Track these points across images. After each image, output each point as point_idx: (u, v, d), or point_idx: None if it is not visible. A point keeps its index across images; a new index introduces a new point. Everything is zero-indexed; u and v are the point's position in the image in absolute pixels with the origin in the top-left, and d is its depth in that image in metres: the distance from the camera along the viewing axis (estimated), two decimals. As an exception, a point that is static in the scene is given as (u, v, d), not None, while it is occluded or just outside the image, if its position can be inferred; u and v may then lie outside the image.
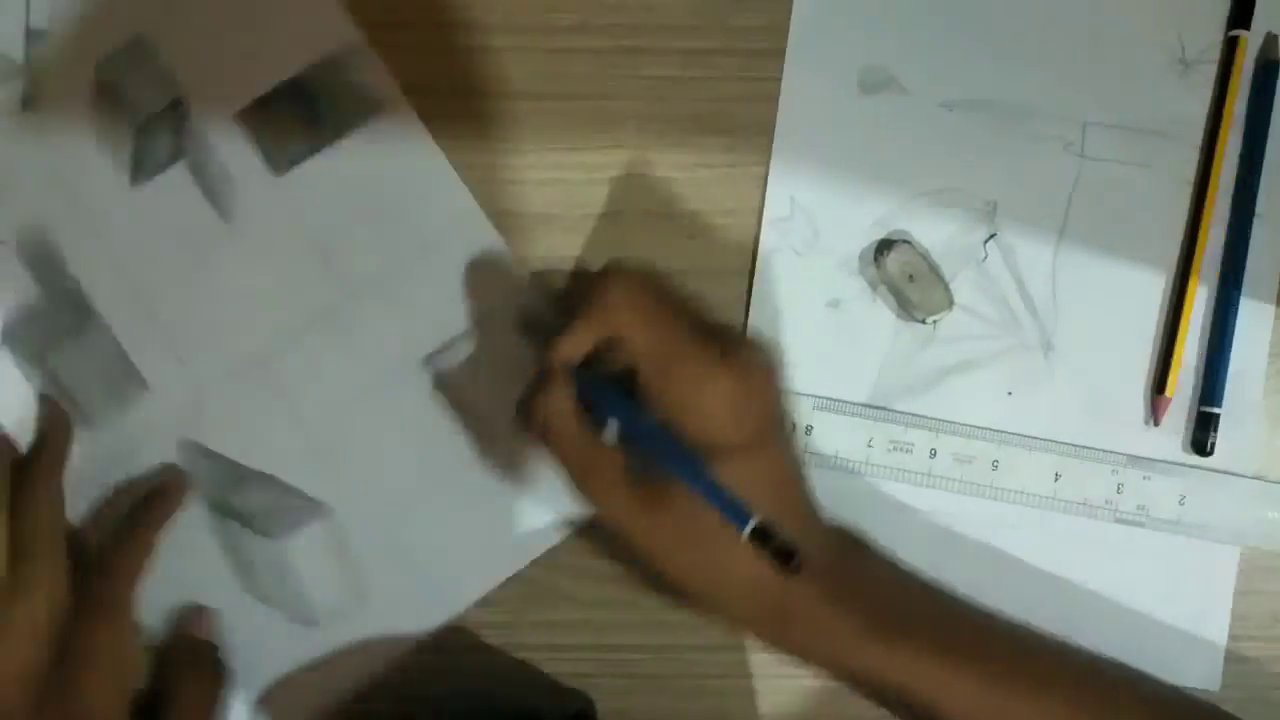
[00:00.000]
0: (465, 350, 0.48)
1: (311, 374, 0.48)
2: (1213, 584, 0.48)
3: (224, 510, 0.48)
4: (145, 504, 0.47)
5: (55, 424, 0.47)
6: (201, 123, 0.47)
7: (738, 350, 0.42)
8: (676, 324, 0.42)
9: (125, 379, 0.48)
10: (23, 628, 0.43)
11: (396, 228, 0.48)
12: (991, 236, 0.48)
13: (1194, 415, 0.48)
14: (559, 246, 0.48)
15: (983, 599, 0.45)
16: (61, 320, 0.48)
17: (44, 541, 0.44)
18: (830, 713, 0.49)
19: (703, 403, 0.40)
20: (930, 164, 0.48)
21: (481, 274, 0.48)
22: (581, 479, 0.42)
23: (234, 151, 0.48)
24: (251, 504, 0.48)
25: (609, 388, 0.42)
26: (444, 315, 0.48)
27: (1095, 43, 0.48)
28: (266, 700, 0.48)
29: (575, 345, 0.42)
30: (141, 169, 0.48)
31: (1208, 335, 0.48)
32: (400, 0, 0.48)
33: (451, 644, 0.48)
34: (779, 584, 0.40)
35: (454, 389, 0.48)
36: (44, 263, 0.48)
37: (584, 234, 0.49)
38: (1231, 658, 0.48)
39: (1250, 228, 0.47)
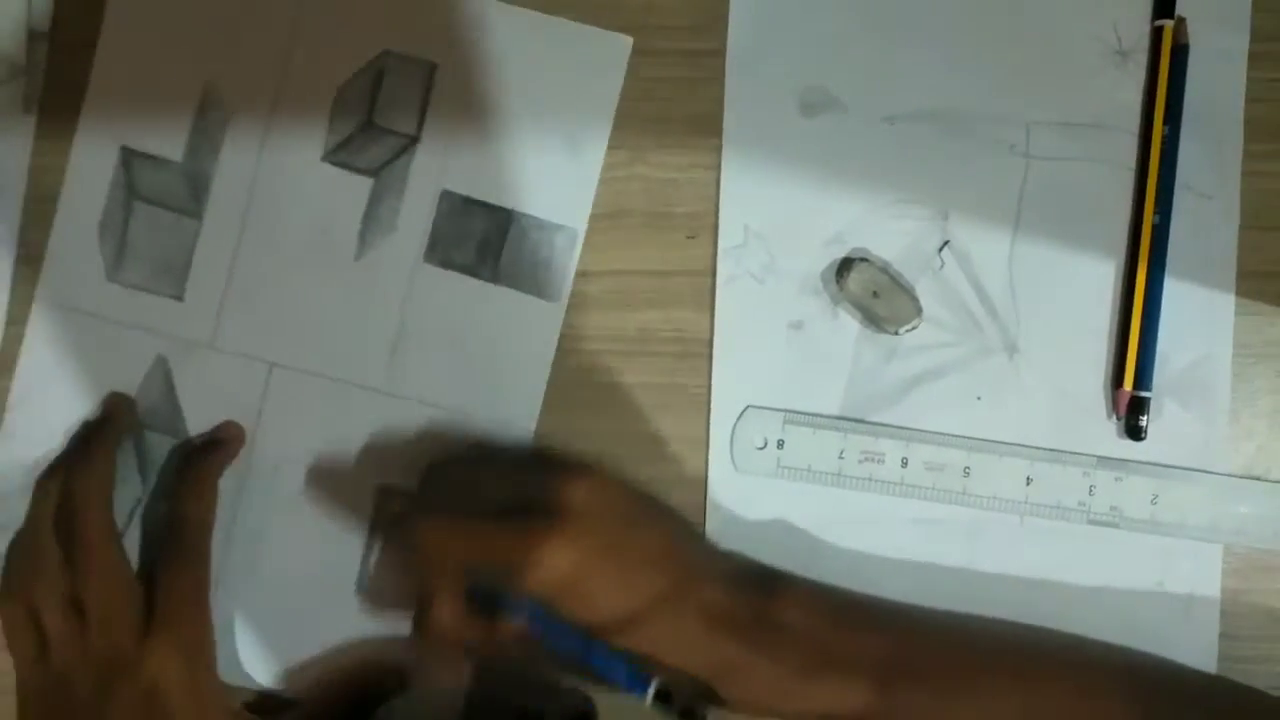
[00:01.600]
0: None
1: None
2: (1198, 582, 0.48)
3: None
4: (203, 453, 0.49)
5: (119, 405, 0.49)
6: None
7: (553, 524, 0.41)
8: (479, 532, 0.42)
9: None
10: (106, 569, 0.46)
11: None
12: (945, 244, 0.48)
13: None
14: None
15: (967, 606, 0.46)
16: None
17: (96, 495, 0.47)
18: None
19: (537, 578, 0.40)
20: (879, 179, 0.48)
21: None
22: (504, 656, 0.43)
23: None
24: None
25: (488, 592, 0.42)
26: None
27: (1031, 42, 0.48)
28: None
29: (440, 582, 0.43)
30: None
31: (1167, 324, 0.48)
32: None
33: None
34: (709, 644, 0.41)
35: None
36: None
37: (585, 234, 0.49)
38: (1226, 657, 0.48)
39: (1169, 210, 0.47)
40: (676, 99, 0.49)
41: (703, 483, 0.49)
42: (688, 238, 0.49)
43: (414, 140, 0.49)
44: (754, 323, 0.49)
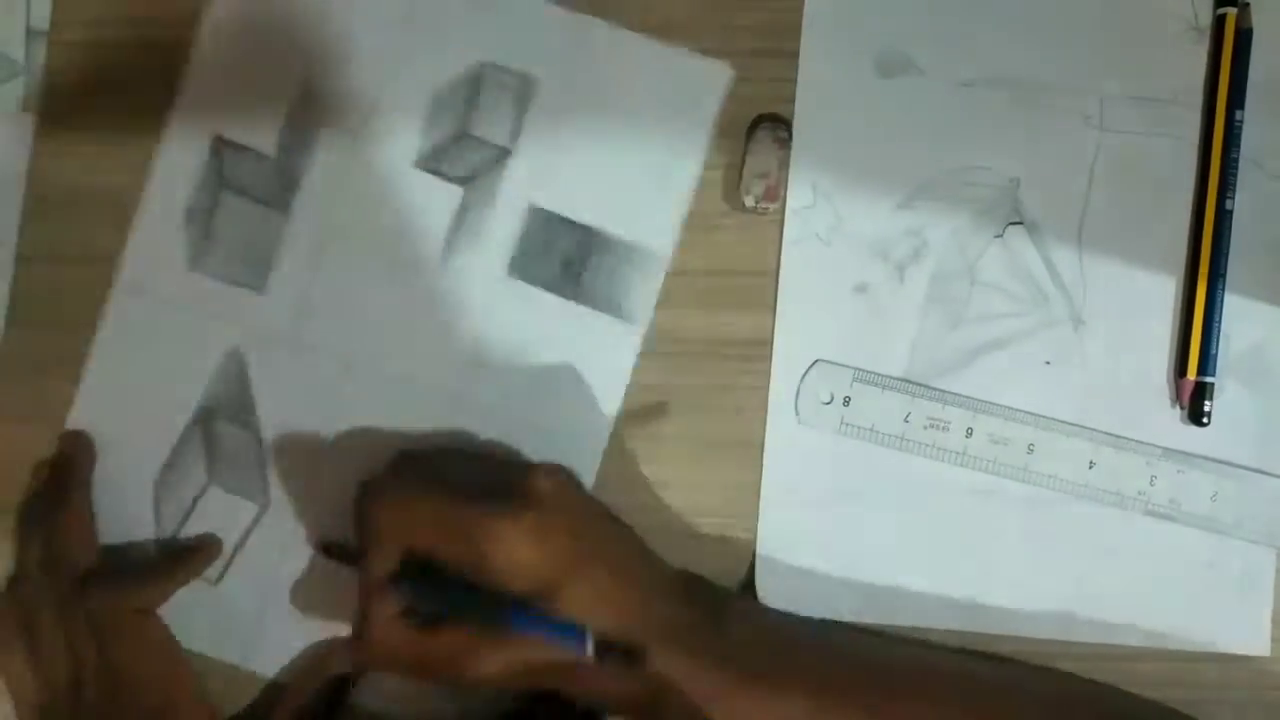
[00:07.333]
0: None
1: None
2: (1249, 582, 0.48)
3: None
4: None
5: (81, 443, 0.49)
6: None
7: (514, 501, 0.42)
8: (446, 511, 0.42)
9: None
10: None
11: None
12: (1015, 223, 0.48)
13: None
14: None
15: (1013, 580, 0.47)
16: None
17: (79, 533, 0.47)
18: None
19: (502, 559, 0.41)
20: (951, 144, 0.48)
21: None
22: (443, 674, 0.42)
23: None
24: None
25: (415, 583, 0.42)
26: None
27: (1110, 15, 0.48)
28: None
29: (380, 569, 0.42)
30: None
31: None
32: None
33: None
34: (661, 658, 0.41)
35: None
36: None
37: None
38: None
39: (1231, 194, 0.47)
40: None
41: (757, 438, 0.48)
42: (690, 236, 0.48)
43: (506, 153, 0.48)
44: (820, 285, 0.48)
